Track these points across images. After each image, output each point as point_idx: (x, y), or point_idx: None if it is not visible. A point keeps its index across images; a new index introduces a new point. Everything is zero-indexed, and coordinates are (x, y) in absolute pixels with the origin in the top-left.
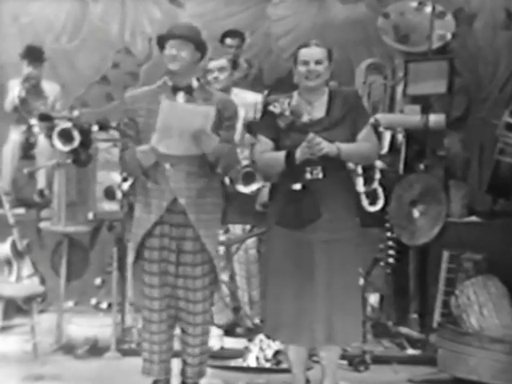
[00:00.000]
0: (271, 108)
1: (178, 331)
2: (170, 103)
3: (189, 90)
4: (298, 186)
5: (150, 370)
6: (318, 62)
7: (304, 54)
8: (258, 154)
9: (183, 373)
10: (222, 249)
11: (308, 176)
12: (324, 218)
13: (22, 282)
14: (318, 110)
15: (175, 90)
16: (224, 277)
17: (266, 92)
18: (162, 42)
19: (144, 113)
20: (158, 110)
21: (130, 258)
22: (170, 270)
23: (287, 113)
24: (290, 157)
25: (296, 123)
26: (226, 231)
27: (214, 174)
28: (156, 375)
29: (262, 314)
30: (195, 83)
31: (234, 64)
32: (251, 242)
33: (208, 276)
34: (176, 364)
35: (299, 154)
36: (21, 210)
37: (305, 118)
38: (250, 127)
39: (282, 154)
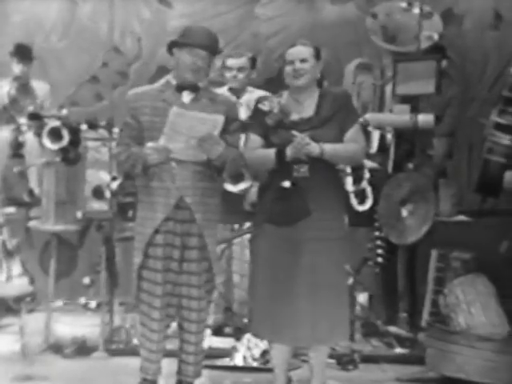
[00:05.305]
0: (260, 106)
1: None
2: (180, 110)
3: (194, 89)
4: (287, 184)
5: (148, 369)
6: (303, 61)
7: (289, 53)
8: (249, 151)
9: (180, 371)
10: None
11: (295, 174)
12: (311, 216)
13: (12, 281)
14: (308, 109)
15: (180, 88)
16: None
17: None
18: (180, 46)
19: (148, 111)
20: (162, 107)
21: (137, 258)
22: (172, 266)
23: (276, 110)
24: (280, 154)
25: (285, 121)
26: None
27: (219, 177)
28: (152, 375)
29: (249, 313)
30: (201, 82)
31: (253, 63)
32: (247, 240)
33: (206, 273)
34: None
35: (289, 151)
36: (11, 209)
37: (294, 117)
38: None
39: (272, 152)
